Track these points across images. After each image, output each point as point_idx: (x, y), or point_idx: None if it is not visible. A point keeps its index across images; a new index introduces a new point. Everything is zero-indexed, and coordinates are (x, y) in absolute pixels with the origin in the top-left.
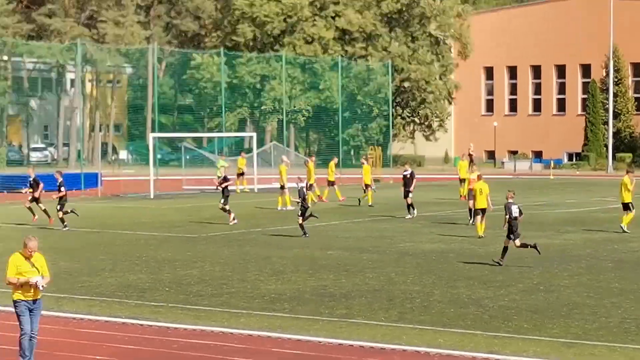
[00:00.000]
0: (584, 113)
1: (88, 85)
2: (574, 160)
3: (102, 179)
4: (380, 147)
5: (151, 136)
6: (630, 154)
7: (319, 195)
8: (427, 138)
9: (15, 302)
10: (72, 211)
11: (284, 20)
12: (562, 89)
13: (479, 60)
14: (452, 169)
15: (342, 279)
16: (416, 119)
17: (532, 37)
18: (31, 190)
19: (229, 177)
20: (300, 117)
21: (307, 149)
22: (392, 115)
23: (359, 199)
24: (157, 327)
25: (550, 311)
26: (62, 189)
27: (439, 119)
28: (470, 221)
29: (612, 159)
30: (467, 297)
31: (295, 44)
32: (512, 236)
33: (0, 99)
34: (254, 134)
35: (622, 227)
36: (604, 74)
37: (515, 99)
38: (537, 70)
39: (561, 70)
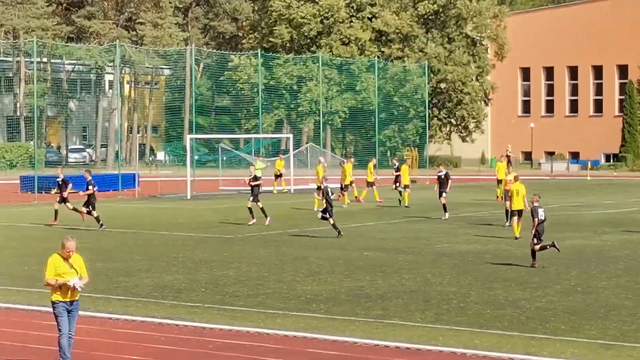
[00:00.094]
0: (621, 114)
1: (126, 87)
2: (611, 161)
3: (140, 179)
4: (416, 149)
5: (188, 137)
6: None
7: (356, 197)
8: (463, 139)
9: (53, 303)
10: (101, 225)
11: (321, 21)
12: (599, 90)
13: (515, 61)
14: (489, 170)
15: (379, 279)
16: (452, 120)
17: (568, 38)
18: (59, 191)
19: (259, 177)
20: (336, 118)
21: (344, 150)
22: (429, 116)
23: (399, 200)
24: (193, 328)
25: (588, 313)
26: (90, 187)
27: (476, 120)
28: (507, 222)
29: None
30: (504, 298)
31: (332, 46)
32: (540, 239)
33: (39, 100)
34: (291, 135)
35: None
36: None
37: (552, 100)
38: (573, 71)
39: (598, 71)
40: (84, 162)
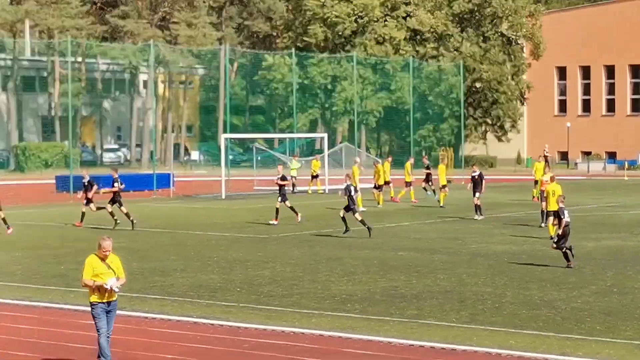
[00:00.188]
0: None
1: (161, 87)
2: None
3: (174, 179)
4: (451, 148)
5: (223, 137)
6: None
7: (392, 197)
8: (499, 139)
9: (92, 304)
10: (132, 220)
11: (355, 20)
12: (636, 89)
13: (551, 60)
14: (524, 170)
15: (413, 279)
16: (488, 120)
17: (605, 37)
18: (84, 192)
19: (290, 177)
20: (371, 117)
21: (379, 149)
22: (464, 115)
23: (438, 200)
24: (228, 327)
25: (624, 313)
26: (116, 184)
27: (511, 120)
28: (543, 223)
29: None
30: (540, 298)
31: (366, 45)
32: (566, 241)
33: (74, 100)
34: (325, 135)
35: None
36: None
37: (589, 99)
38: (610, 70)
39: (635, 70)
40: (118, 161)
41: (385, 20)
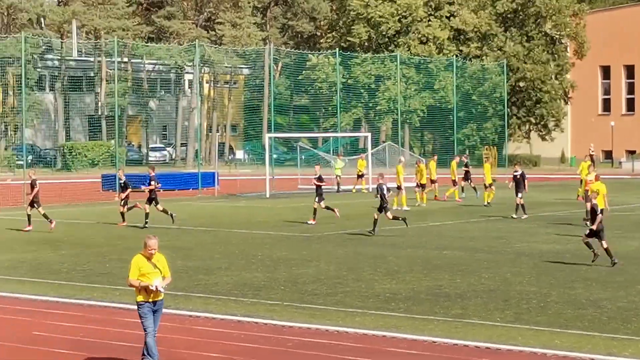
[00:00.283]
0: None
1: (206, 86)
2: None
3: (219, 178)
4: (495, 147)
5: (267, 136)
6: None
7: (435, 195)
8: (542, 138)
9: (138, 303)
10: (171, 215)
11: (399, 20)
12: None
13: (595, 59)
14: (569, 169)
15: (457, 278)
16: (532, 119)
17: None
18: (122, 192)
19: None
20: (414, 117)
21: (422, 148)
22: (508, 115)
23: (479, 197)
24: (272, 325)
25: None
26: (153, 183)
27: (555, 119)
28: (587, 222)
29: None
30: (585, 298)
31: (410, 44)
32: (601, 235)
33: (120, 99)
34: (369, 134)
35: None
36: None
37: (633, 98)
38: None
39: None
40: (164, 160)
41: (429, 20)
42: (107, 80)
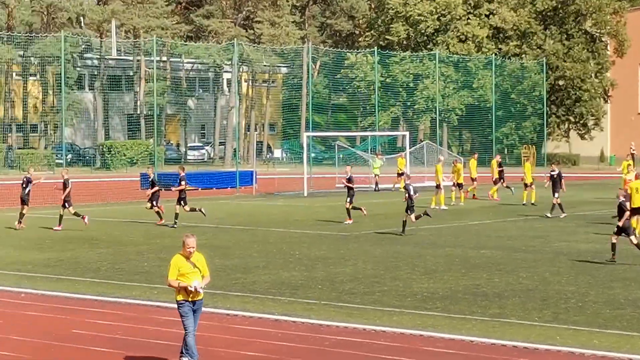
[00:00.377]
0: None
1: (244, 85)
2: None
3: (257, 177)
4: (534, 146)
5: (305, 135)
6: None
7: (474, 194)
8: (582, 137)
9: (179, 302)
10: (200, 210)
11: (438, 19)
12: None
13: (635, 57)
14: (608, 168)
15: (495, 278)
16: (571, 118)
17: None
18: (155, 189)
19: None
20: (453, 115)
21: (460, 147)
22: (547, 113)
23: (531, 202)
24: (310, 324)
25: None
26: (183, 183)
27: (595, 118)
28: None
29: None
30: (624, 298)
31: (448, 43)
32: (628, 232)
33: (159, 98)
34: (407, 133)
35: None
36: None
37: None
38: None
39: None
40: (202, 159)
41: (468, 18)
42: (146, 79)
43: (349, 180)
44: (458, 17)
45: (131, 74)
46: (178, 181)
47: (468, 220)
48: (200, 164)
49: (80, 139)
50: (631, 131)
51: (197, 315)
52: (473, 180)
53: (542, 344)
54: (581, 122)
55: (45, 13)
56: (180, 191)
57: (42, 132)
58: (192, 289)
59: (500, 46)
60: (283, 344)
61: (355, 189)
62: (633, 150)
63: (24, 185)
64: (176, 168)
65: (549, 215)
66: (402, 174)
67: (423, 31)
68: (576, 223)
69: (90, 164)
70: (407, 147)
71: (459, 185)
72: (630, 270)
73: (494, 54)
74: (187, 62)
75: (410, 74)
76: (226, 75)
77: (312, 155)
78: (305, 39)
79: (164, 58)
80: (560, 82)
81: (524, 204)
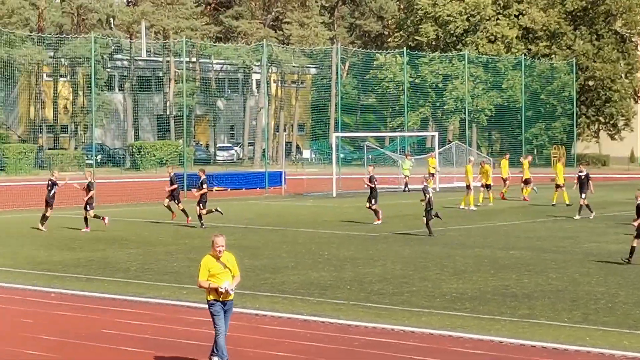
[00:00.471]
0: None
1: (273, 86)
2: None
3: (286, 177)
4: (564, 147)
5: (334, 135)
6: None
7: (502, 194)
8: (612, 137)
9: (210, 302)
10: (216, 210)
11: (467, 19)
12: None
13: None
14: (638, 169)
15: (525, 279)
16: (601, 118)
17: None
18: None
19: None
20: (482, 116)
21: (489, 148)
22: (576, 114)
23: (566, 204)
24: (339, 325)
25: None
26: (205, 186)
27: (625, 118)
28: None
29: None
30: None
31: (478, 43)
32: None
33: (188, 99)
34: (436, 134)
35: None
36: None
37: None
38: None
39: None
40: (231, 160)
41: (497, 19)
42: (175, 80)
43: (370, 180)
44: (487, 18)
45: (161, 74)
46: (199, 184)
47: (497, 221)
48: (230, 165)
49: (110, 139)
50: None
51: (228, 315)
52: (504, 180)
53: (572, 345)
54: (611, 122)
55: (75, 14)
56: (202, 194)
57: (72, 132)
58: (223, 290)
59: (529, 47)
60: (312, 344)
61: (377, 190)
62: None
63: (49, 188)
64: (207, 168)
65: (577, 217)
66: (433, 174)
67: (452, 32)
68: (606, 224)
69: (119, 164)
70: (437, 147)
71: (487, 187)
72: None
73: (523, 55)
74: (217, 63)
75: (440, 74)
76: (255, 76)
77: (341, 155)
78: (334, 40)
79: (194, 59)
80: (590, 83)
81: (553, 205)
